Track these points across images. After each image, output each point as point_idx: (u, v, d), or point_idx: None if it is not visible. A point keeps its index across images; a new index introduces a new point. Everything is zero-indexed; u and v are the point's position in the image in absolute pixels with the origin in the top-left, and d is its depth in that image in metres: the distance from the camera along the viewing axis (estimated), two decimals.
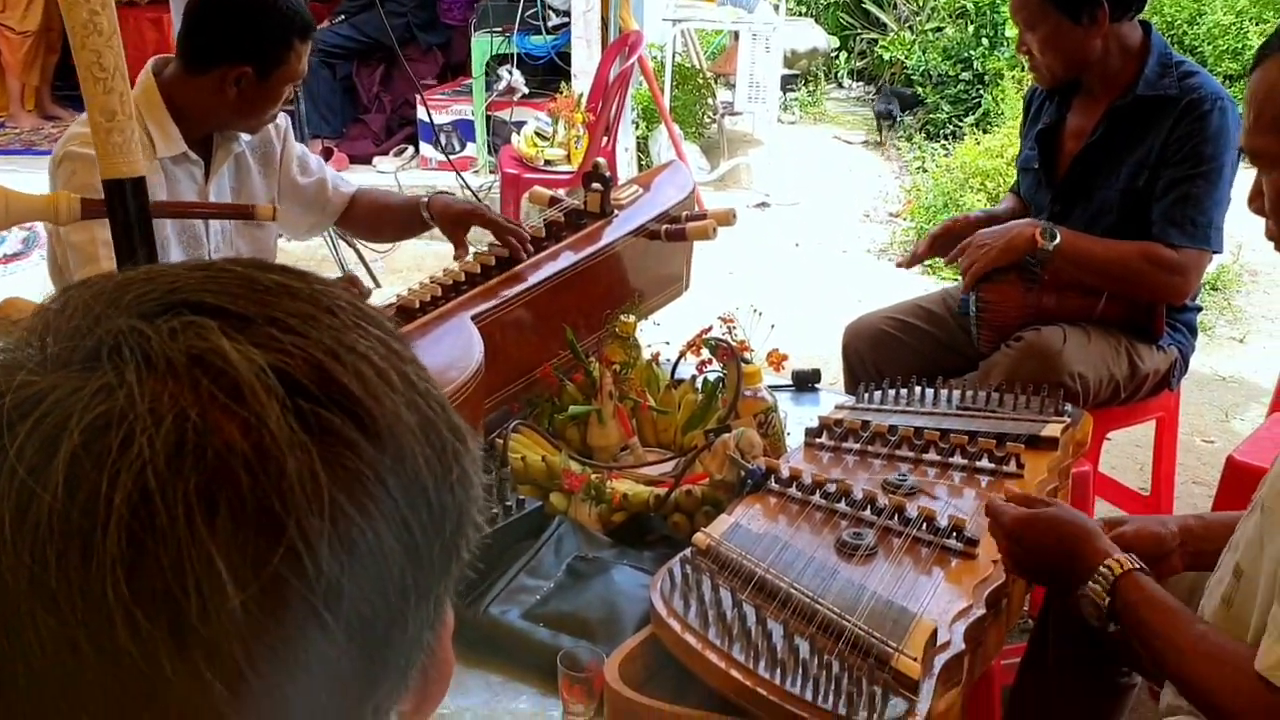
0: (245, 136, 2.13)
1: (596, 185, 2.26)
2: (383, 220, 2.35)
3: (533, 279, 2.02)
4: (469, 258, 2.07)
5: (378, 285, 4.66)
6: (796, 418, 2.11)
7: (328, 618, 0.42)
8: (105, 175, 1.10)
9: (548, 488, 1.78)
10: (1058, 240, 2.15)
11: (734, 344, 1.95)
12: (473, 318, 1.86)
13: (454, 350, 1.76)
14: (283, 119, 2.26)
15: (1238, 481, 2.16)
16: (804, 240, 5.44)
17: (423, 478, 0.46)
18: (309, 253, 4.94)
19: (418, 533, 0.45)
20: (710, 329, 2.00)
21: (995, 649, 1.51)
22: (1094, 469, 2.40)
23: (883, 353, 2.54)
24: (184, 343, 0.42)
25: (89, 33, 0.97)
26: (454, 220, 2.21)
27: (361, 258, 4.45)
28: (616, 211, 2.30)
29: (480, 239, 2.19)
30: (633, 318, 2.02)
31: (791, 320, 4.25)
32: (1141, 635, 1.32)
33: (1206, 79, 2.17)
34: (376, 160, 5.30)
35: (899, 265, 2.55)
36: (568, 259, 2.10)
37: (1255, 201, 1.31)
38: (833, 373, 2.81)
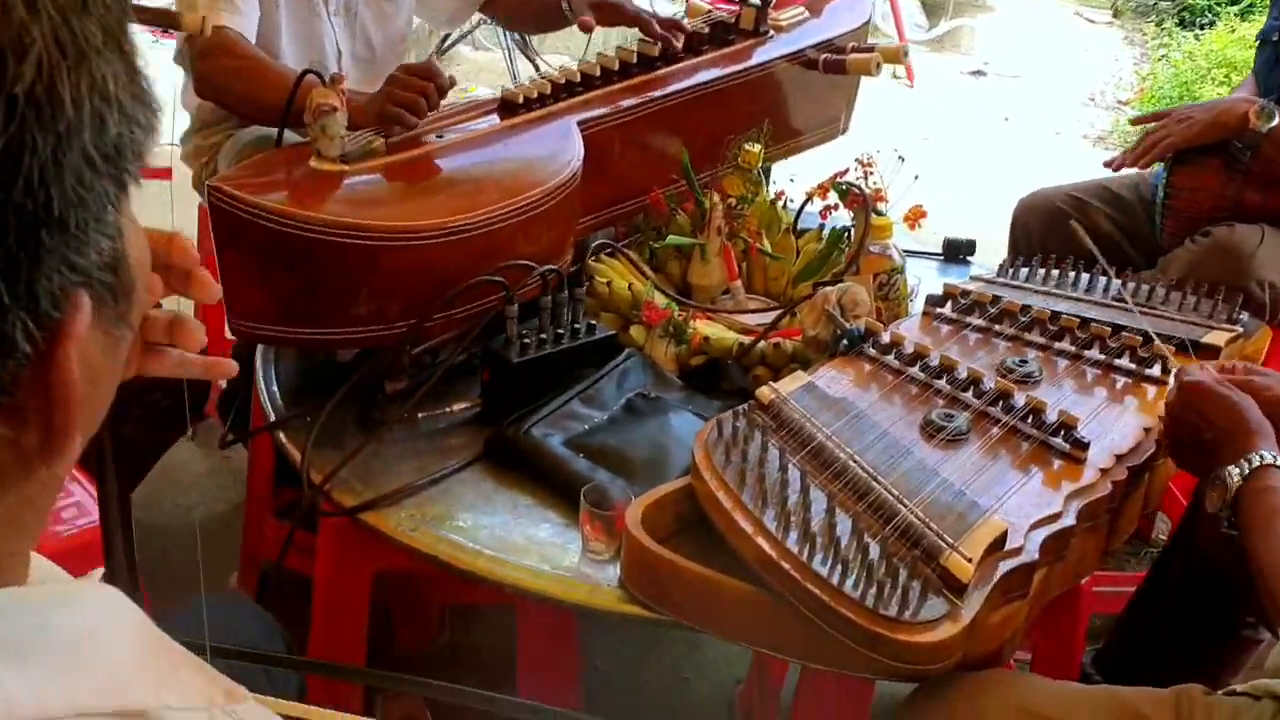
0: None
1: (753, 0, 2.03)
2: (522, 10, 2.20)
3: (659, 91, 1.83)
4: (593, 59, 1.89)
5: None
6: (935, 290, 1.88)
7: None
8: None
9: (629, 318, 1.64)
10: (1275, 122, 1.82)
11: (867, 191, 1.73)
12: (580, 123, 1.70)
13: (543, 152, 1.61)
14: None
15: None
16: (1015, 116, 5.00)
17: None
18: (491, 63, 4.85)
19: None
20: (846, 172, 1.78)
21: (1086, 568, 1.30)
22: None
23: (1055, 233, 2.26)
24: None
25: None
26: (604, 19, 2.02)
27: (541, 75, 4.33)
28: (773, 32, 2.07)
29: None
30: (758, 147, 1.81)
31: (974, 196, 3.94)
32: (1254, 517, 1.16)
33: None
34: None
35: (1106, 165, 2.24)
36: (704, 75, 1.90)
37: None
38: (996, 250, 2.54)
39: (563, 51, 4.88)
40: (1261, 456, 1.18)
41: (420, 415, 1.47)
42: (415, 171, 1.55)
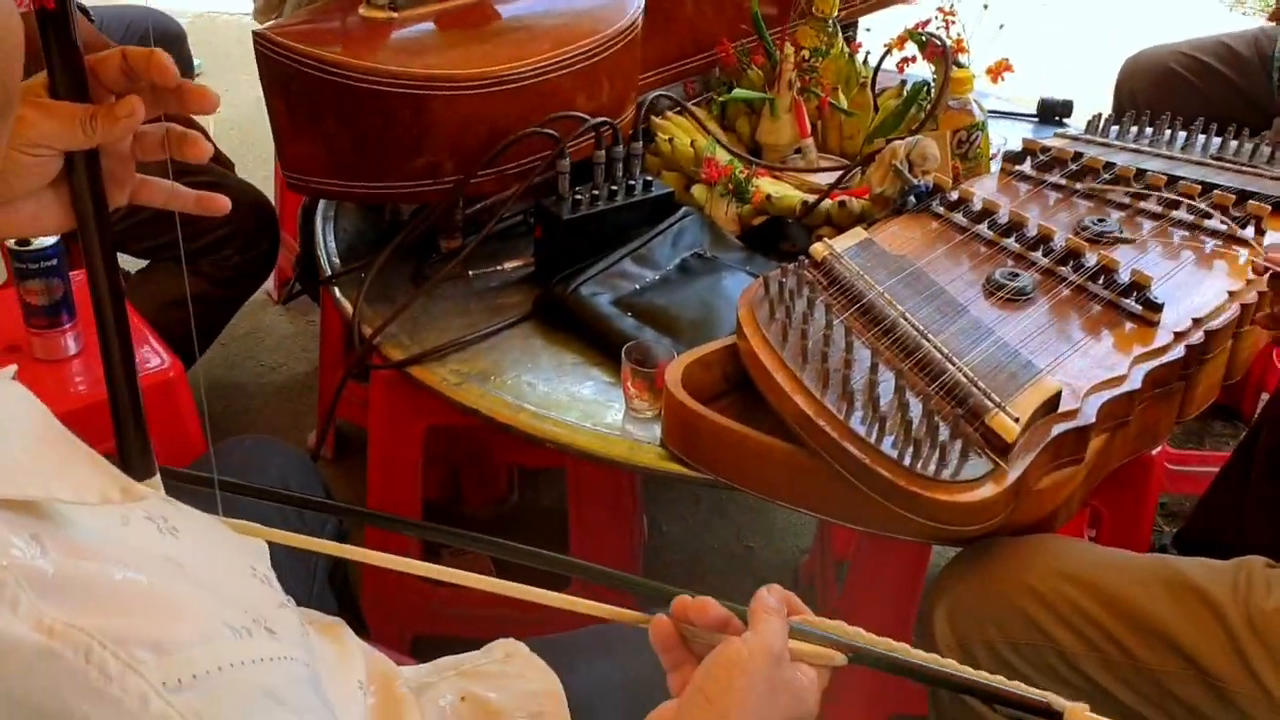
0: None
1: None
2: None
3: None
4: None
5: None
6: None
7: None
8: None
9: (692, 176, 1.58)
10: None
11: (948, 42, 1.63)
12: None
13: (602, 0, 1.55)
14: None
15: None
16: None
17: None
18: None
19: None
20: (928, 22, 1.68)
21: (1155, 438, 1.23)
22: None
23: (1165, 94, 2.11)
24: None
25: None
26: None
27: None
28: None
29: None
30: None
31: (1083, 53, 3.68)
32: None
33: None
34: None
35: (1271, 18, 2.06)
36: None
37: None
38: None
39: None
40: None
41: (472, 273, 1.45)
42: (468, 18, 1.51)
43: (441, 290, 1.42)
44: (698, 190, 1.57)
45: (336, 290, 1.43)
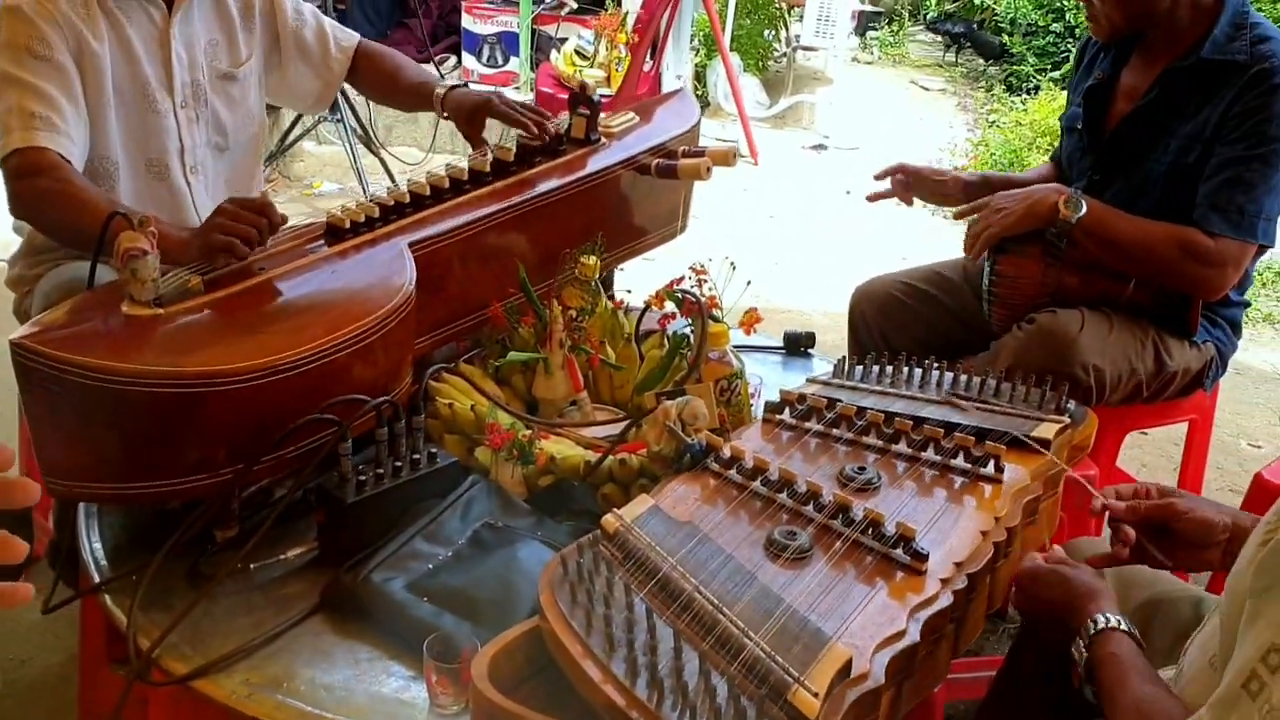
0: None
1: (583, 110, 2.05)
2: (389, 87, 2.20)
3: (493, 206, 1.82)
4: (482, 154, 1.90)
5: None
6: (783, 384, 1.90)
7: None
8: None
9: (475, 440, 1.61)
10: (1083, 211, 1.91)
11: (702, 298, 1.75)
12: (412, 244, 1.67)
13: (373, 278, 1.58)
14: None
15: (1265, 501, 1.92)
16: (856, 188, 5.15)
17: None
18: (335, 157, 4.79)
19: None
20: (682, 279, 1.80)
21: (935, 679, 1.31)
22: (1104, 471, 2.16)
23: (891, 320, 2.32)
24: None
25: None
26: (468, 116, 2.06)
27: (387, 168, 4.29)
28: (605, 140, 2.09)
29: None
30: (594, 259, 1.82)
31: (818, 273, 4.02)
32: (1100, 687, 1.23)
33: None
34: None
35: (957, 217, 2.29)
36: (538, 188, 1.90)
37: None
38: (840, 337, 2.59)
39: (410, 143, 4.86)
40: (1096, 621, 1.25)
41: (253, 565, 1.41)
42: (236, 309, 1.50)
43: (222, 587, 1.36)
44: (481, 453, 1.59)
45: (108, 599, 1.35)
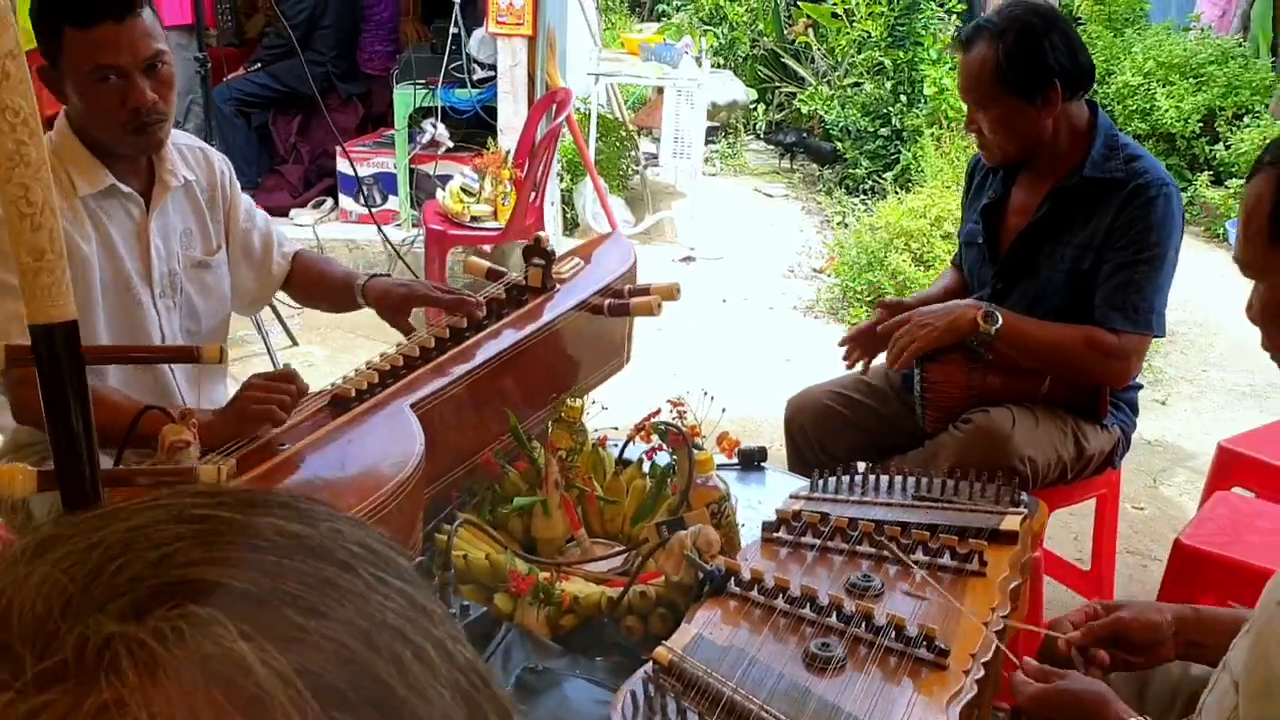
0: (182, 170, 2.00)
1: (538, 260, 2.18)
2: (317, 291, 2.25)
3: (475, 360, 1.92)
4: (408, 340, 1.97)
5: (295, 343, 4.52)
6: (744, 499, 2.04)
7: None
8: (32, 320, 1.00)
9: (491, 588, 1.68)
10: (999, 324, 2.14)
11: (684, 429, 1.88)
12: (412, 405, 1.76)
13: (392, 444, 1.65)
14: (225, 163, 2.14)
15: (1188, 567, 2.14)
16: (730, 296, 5.41)
17: None
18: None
19: None
20: (658, 412, 1.93)
21: None
22: (1041, 551, 2.38)
23: (827, 429, 2.50)
24: (193, 649, 0.34)
25: (15, 164, 0.85)
26: (394, 307, 2.09)
27: (277, 314, 4.31)
28: (557, 286, 2.22)
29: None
30: (579, 401, 1.93)
31: (723, 384, 4.19)
32: None
33: (1152, 164, 2.18)
34: (294, 213, 5.15)
35: (844, 360, 2.48)
36: (510, 337, 2.01)
37: (1250, 311, 1.29)
38: (773, 443, 2.76)
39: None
40: None
41: None
42: (271, 486, 1.55)
43: None
44: (500, 600, 1.66)
45: None
